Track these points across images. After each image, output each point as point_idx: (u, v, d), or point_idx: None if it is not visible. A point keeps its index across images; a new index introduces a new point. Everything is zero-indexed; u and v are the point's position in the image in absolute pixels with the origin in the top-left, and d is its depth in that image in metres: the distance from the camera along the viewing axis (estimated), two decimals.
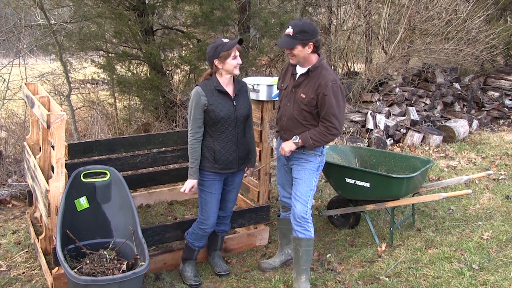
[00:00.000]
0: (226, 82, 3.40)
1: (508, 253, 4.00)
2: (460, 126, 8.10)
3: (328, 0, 9.04)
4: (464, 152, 7.23)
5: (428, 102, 8.65)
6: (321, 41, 3.34)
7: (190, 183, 3.40)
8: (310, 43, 3.29)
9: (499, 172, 6.24)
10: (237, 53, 3.34)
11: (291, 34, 3.27)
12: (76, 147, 4.14)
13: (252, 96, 3.85)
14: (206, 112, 3.33)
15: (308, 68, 3.35)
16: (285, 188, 3.70)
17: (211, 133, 3.39)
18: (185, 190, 3.40)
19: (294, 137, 3.39)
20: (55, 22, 6.95)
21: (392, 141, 7.55)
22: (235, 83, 3.46)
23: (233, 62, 3.32)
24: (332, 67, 9.06)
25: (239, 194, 4.58)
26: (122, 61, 7.02)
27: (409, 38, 8.28)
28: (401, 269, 3.76)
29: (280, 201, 3.82)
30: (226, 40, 3.32)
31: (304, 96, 3.34)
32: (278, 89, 3.70)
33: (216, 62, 3.32)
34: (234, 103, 3.40)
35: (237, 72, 3.39)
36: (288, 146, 3.43)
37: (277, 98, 3.76)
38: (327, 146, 4.80)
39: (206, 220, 3.51)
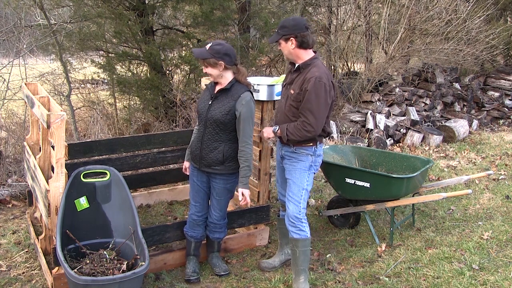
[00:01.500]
0: (218, 82, 3.45)
1: (508, 253, 4.00)
2: (460, 126, 8.11)
3: (328, 0, 9.04)
4: (464, 152, 7.23)
5: (428, 102, 8.65)
6: (307, 37, 3.31)
7: (183, 165, 3.83)
8: (291, 38, 3.29)
9: (499, 172, 6.24)
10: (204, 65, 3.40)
11: (277, 30, 3.38)
12: (76, 147, 4.14)
13: None
14: None
15: (298, 65, 3.38)
16: (283, 186, 3.70)
17: None
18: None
19: (274, 126, 3.47)
20: (55, 22, 6.95)
21: (392, 141, 7.55)
22: (226, 85, 3.38)
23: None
24: (332, 67, 9.05)
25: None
26: (122, 61, 7.03)
27: (409, 38, 8.28)
28: (401, 269, 3.76)
29: (279, 199, 3.83)
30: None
31: (292, 92, 3.36)
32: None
33: None
34: (210, 102, 3.42)
35: (211, 79, 3.47)
36: (268, 131, 3.55)
37: (279, 97, 3.78)
38: (326, 146, 4.81)
39: (191, 206, 3.67)
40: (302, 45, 3.32)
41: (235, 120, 3.37)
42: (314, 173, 3.54)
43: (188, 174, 3.76)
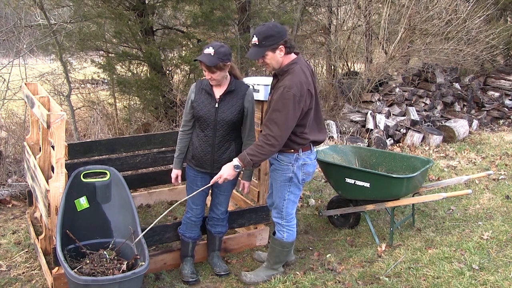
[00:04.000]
0: (216, 84, 3.39)
1: (508, 253, 4.00)
2: (460, 126, 8.11)
3: (328, 0, 9.04)
4: (464, 152, 7.23)
5: (428, 102, 8.66)
6: (291, 40, 3.17)
7: (173, 173, 3.65)
8: (281, 46, 3.10)
9: (499, 172, 6.24)
10: (204, 68, 3.27)
11: (257, 43, 3.10)
12: (76, 147, 4.14)
13: None
14: (192, 108, 3.46)
15: (275, 72, 3.25)
16: (270, 196, 3.74)
17: (196, 128, 3.50)
18: (172, 179, 3.66)
19: (234, 160, 3.18)
20: (55, 22, 6.95)
21: (392, 141, 7.55)
22: (229, 86, 3.38)
23: (205, 74, 3.35)
24: (332, 67, 9.05)
25: (238, 194, 4.59)
26: (122, 61, 7.02)
27: (409, 38, 8.28)
28: (401, 269, 3.76)
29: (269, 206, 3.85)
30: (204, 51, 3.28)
31: (270, 98, 3.30)
32: None
33: None
34: (217, 105, 3.37)
35: (212, 83, 3.37)
36: (227, 172, 3.18)
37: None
38: (326, 146, 4.81)
39: (189, 209, 3.63)
40: (290, 50, 3.17)
41: (243, 117, 3.45)
42: (302, 183, 3.42)
43: (179, 182, 3.66)
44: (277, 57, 3.14)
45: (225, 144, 3.44)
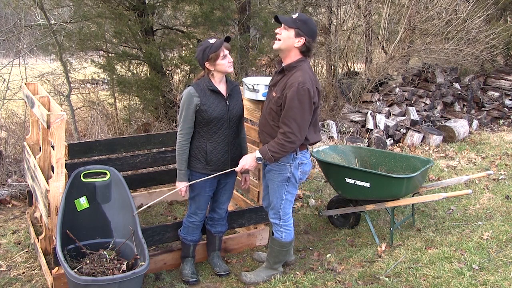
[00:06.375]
0: (218, 82, 3.38)
1: (508, 253, 4.00)
2: (460, 126, 8.10)
3: (328, 0, 9.04)
4: (464, 152, 7.23)
5: (428, 102, 8.65)
6: (313, 46, 3.23)
7: (182, 185, 3.42)
8: (302, 38, 3.15)
9: (499, 172, 6.24)
10: (226, 52, 3.27)
11: (294, 18, 3.19)
12: (76, 147, 4.15)
13: (252, 96, 3.86)
14: (198, 112, 3.30)
15: (283, 67, 3.27)
16: (265, 197, 3.74)
17: (203, 133, 3.37)
18: (181, 193, 3.43)
19: (256, 153, 3.29)
20: (55, 22, 6.95)
21: (392, 141, 7.55)
22: (227, 82, 3.44)
23: (224, 62, 3.27)
24: (332, 67, 9.05)
25: (239, 194, 4.59)
26: (122, 61, 7.02)
27: (409, 38, 8.28)
28: (401, 269, 3.76)
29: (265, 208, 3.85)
30: (212, 41, 3.26)
31: (274, 95, 3.26)
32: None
33: (207, 64, 3.30)
34: (227, 103, 3.38)
35: (230, 70, 3.33)
36: (248, 162, 3.33)
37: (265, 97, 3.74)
38: (326, 146, 4.81)
39: (193, 214, 3.59)
40: (306, 50, 3.21)
41: None
42: (298, 183, 3.46)
43: (184, 195, 3.46)
44: (292, 41, 3.17)
45: (236, 140, 3.50)
